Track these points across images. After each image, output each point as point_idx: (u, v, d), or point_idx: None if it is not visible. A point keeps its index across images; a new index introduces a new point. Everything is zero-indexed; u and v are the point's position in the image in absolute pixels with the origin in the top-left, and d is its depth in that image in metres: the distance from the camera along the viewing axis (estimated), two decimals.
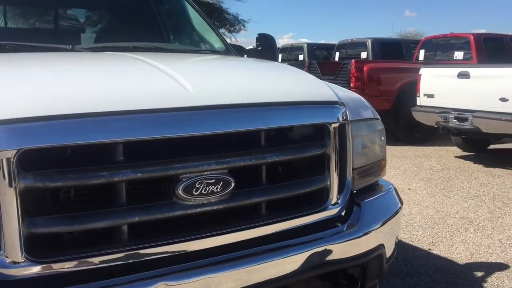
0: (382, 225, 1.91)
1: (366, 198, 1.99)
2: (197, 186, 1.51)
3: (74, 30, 2.96)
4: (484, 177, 6.57)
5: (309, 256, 1.68)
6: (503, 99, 6.59)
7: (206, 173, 1.54)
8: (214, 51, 3.23)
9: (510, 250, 4.02)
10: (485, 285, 3.40)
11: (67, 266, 1.39)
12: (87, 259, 1.41)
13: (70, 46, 2.45)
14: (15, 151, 1.31)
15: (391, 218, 1.97)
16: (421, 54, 11.51)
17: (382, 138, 2.15)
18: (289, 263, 1.64)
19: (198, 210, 1.54)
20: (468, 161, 7.64)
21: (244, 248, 1.61)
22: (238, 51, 3.30)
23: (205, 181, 1.53)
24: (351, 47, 13.23)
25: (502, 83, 6.64)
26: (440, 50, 11.01)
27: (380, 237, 1.89)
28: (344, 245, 1.76)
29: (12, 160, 1.31)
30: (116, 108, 1.45)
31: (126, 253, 1.45)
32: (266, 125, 1.67)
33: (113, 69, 1.90)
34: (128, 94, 1.54)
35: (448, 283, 3.39)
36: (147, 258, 1.47)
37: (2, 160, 1.31)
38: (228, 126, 1.59)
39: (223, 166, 1.56)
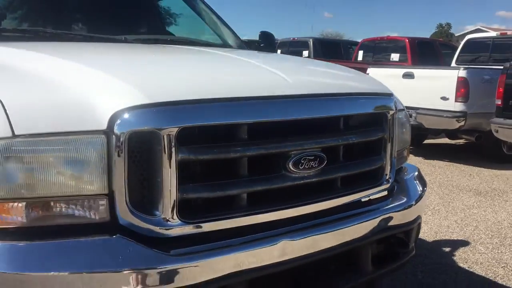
0: (419, 199, 2.31)
1: (404, 177, 2.37)
2: (301, 161, 1.81)
3: (112, 22, 3.06)
4: (427, 168, 7.29)
5: (378, 222, 2.03)
6: (444, 98, 7.36)
7: (308, 150, 1.83)
8: (233, 46, 3.47)
9: (467, 229, 4.64)
10: (455, 258, 3.95)
11: (208, 226, 1.64)
12: (223, 221, 1.67)
13: (123, 37, 2.61)
14: (176, 128, 1.54)
15: (424, 194, 2.37)
16: (360, 54, 12.29)
17: (408, 125, 2.55)
18: (365, 227, 1.98)
19: (301, 182, 1.84)
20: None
21: (329, 215, 1.93)
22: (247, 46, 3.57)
23: (307, 157, 1.82)
24: (292, 46, 13.78)
25: (443, 84, 7.41)
26: (378, 51, 11.84)
27: (419, 209, 2.28)
28: (401, 214, 2.13)
29: (173, 136, 1.53)
30: (245, 94, 1.71)
31: (250, 216, 1.71)
32: (345, 112, 2.00)
33: (206, 61, 2.13)
34: (247, 83, 1.80)
35: (424, 257, 3.89)
36: (265, 220, 1.75)
37: (164, 136, 1.53)
38: (321, 112, 1.90)
39: (319, 146, 1.87)
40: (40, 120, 1.51)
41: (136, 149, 1.54)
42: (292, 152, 1.80)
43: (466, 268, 3.88)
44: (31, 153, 1.48)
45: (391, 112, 2.16)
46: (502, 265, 3.96)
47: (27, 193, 1.49)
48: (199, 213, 1.64)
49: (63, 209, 1.53)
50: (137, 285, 1.48)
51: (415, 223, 2.24)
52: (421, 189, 2.39)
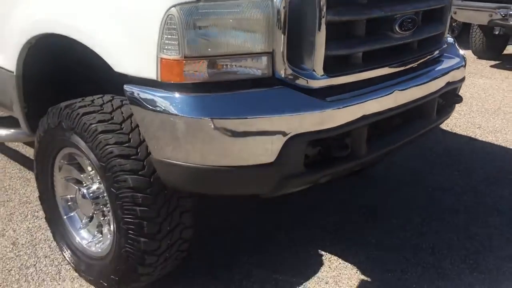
0: (466, 60, 2.72)
1: (450, 42, 2.76)
2: (404, 23, 2.12)
3: None
4: None
5: (447, 77, 2.44)
6: None
7: (407, 14, 2.14)
8: None
9: None
10: None
11: (343, 79, 1.97)
12: (352, 75, 2.00)
13: None
14: None
15: (465, 57, 2.79)
16: None
17: None
18: (441, 81, 2.39)
19: (401, 42, 2.17)
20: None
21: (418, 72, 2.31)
22: None
23: (408, 19, 2.14)
24: None
25: None
26: None
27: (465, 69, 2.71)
28: (460, 71, 2.55)
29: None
30: None
31: (371, 71, 2.06)
32: None
33: None
34: None
35: None
36: (382, 74, 2.10)
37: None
38: None
39: (414, 10, 2.19)
40: None
41: (294, 12, 1.78)
42: (397, 16, 2.10)
43: (449, 130, 4.55)
44: (213, 15, 1.70)
45: None
46: (477, 126, 4.68)
47: (209, 51, 1.73)
48: (336, 68, 1.95)
49: (235, 66, 1.79)
50: (303, 129, 1.81)
51: (463, 80, 2.67)
52: (463, 53, 2.80)
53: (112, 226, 2.22)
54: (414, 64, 2.30)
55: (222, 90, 1.79)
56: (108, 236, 2.29)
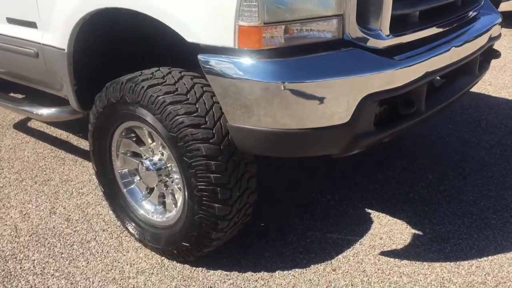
0: (500, 16, 2.79)
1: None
2: None
3: None
4: None
5: (490, 33, 2.51)
6: None
7: None
8: None
9: None
10: None
11: (405, 38, 2.03)
12: (413, 33, 2.06)
13: None
14: None
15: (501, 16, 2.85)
16: None
17: None
18: (485, 37, 2.46)
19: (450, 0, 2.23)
20: None
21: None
22: None
23: None
24: None
25: None
26: None
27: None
28: (497, 27, 2.62)
29: None
30: None
31: (430, 28, 2.12)
32: None
33: None
34: None
35: None
36: (438, 31, 2.17)
37: None
38: None
39: None
40: None
41: None
42: None
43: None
44: None
45: None
46: (488, 84, 4.79)
47: (286, 16, 1.77)
48: (399, 28, 2.00)
49: (308, 30, 1.84)
50: (375, 88, 1.87)
51: (500, 37, 2.74)
52: (497, 10, 2.86)
53: (178, 195, 2.28)
54: (462, 22, 2.36)
55: (296, 55, 1.83)
56: (173, 206, 2.35)
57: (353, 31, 1.88)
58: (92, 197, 3.02)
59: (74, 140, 3.81)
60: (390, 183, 3.05)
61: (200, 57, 1.90)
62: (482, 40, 2.44)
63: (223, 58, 1.84)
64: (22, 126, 4.08)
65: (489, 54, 2.67)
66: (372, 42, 1.92)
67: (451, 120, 3.93)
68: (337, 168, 3.21)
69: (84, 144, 3.70)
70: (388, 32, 1.93)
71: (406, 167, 3.22)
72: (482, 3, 2.61)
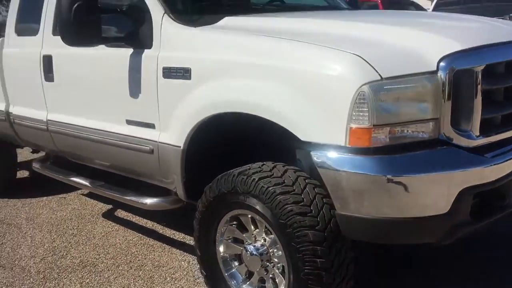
0: None
1: None
2: None
3: None
4: None
5: None
6: None
7: None
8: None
9: None
10: None
11: (492, 138, 2.27)
12: (503, 133, 2.31)
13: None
14: (483, 66, 2.14)
15: None
16: None
17: None
18: None
19: None
20: None
21: None
22: None
23: None
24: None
25: None
26: None
27: None
28: None
29: (479, 72, 2.13)
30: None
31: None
32: None
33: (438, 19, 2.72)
34: (493, 32, 2.40)
35: None
36: None
37: (476, 72, 2.14)
38: None
39: None
40: (393, 66, 2.08)
41: (456, 83, 2.12)
42: None
43: None
44: (393, 90, 2.05)
45: None
46: None
47: (391, 119, 2.07)
48: (486, 129, 2.26)
49: (409, 131, 2.12)
50: (471, 182, 2.09)
51: None
52: None
53: (280, 280, 2.47)
54: None
55: (399, 152, 2.10)
56: None
57: (448, 132, 2.14)
58: (185, 282, 3.22)
59: (159, 228, 4.09)
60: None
61: (313, 153, 2.19)
62: None
63: (334, 154, 2.13)
64: (110, 215, 4.42)
65: None
66: (464, 142, 2.17)
67: None
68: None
69: (169, 233, 3.97)
70: (478, 133, 2.19)
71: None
72: None
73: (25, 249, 3.76)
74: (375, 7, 11.68)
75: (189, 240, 3.74)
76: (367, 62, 2.06)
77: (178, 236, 3.87)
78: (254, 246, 2.57)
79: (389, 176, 2.03)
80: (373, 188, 2.06)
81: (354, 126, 2.07)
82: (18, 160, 5.33)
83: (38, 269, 3.44)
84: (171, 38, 2.82)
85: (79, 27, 2.73)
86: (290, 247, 2.29)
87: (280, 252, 2.42)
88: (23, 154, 5.23)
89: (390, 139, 2.09)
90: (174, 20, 2.85)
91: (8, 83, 4.21)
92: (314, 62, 2.20)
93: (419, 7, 14.83)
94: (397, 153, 2.10)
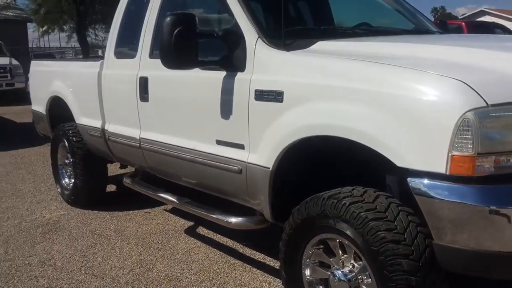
0: None
1: None
2: None
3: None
4: None
5: None
6: None
7: None
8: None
9: None
10: None
11: None
12: None
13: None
14: None
15: None
16: None
17: None
18: None
19: None
20: None
21: None
22: None
23: None
24: None
25: None
26: None
27: None
28: None
29: None
30: None
31: None
32: None
33: None
34: None
35: None
36: None
37: None
38: None
39: None
40: (498, 93, 2.00)
41: None
42: None
43: None
44: (500, 117, 1.97)
45: None
46: None
47: (497, 148, 1.98)
48: None
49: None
50: None
51: None
52: None
53: None
54: None
55: (503, 182, 2.00)
56: None
57: None
58: None
59: (239, 247, 4.14)
60: None
61: (409, 179, 2.14)
62: None
63: (434, 182, 2.07)
64: (192, 232, 4.54)
65: None
66: None
67: None
68: None
69: (249, 252, 4.01)
70: None
71: None
72: None
73: (114, 260, 3.95)
74: (459, 29, 11.36)
75: (269, 261, 3.76)
76: (472, 88, 2.00)
77: (258, 256, 3.90)
78: (342, 271, 2.53)
79: (493, 207, 1.94)
80: (475, 219, 1.97)
81: (456, 153, 2.01)
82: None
83: (127, 280, 3.59)
84: (264, 61, 2.90)
85: (179, 51, 2.87)
86: (382, 275, 2.24)
87: (369, 280, 2.37)
88: (110, 168, 5.53)
89: (495, 168, 2.00)
90: (268, 44, 2.92)
91: (105, 102, 4.49)
92: (414, 88, 2.17)
93: (506, 29, 14.21)
94: (501, 183, 2.00)
